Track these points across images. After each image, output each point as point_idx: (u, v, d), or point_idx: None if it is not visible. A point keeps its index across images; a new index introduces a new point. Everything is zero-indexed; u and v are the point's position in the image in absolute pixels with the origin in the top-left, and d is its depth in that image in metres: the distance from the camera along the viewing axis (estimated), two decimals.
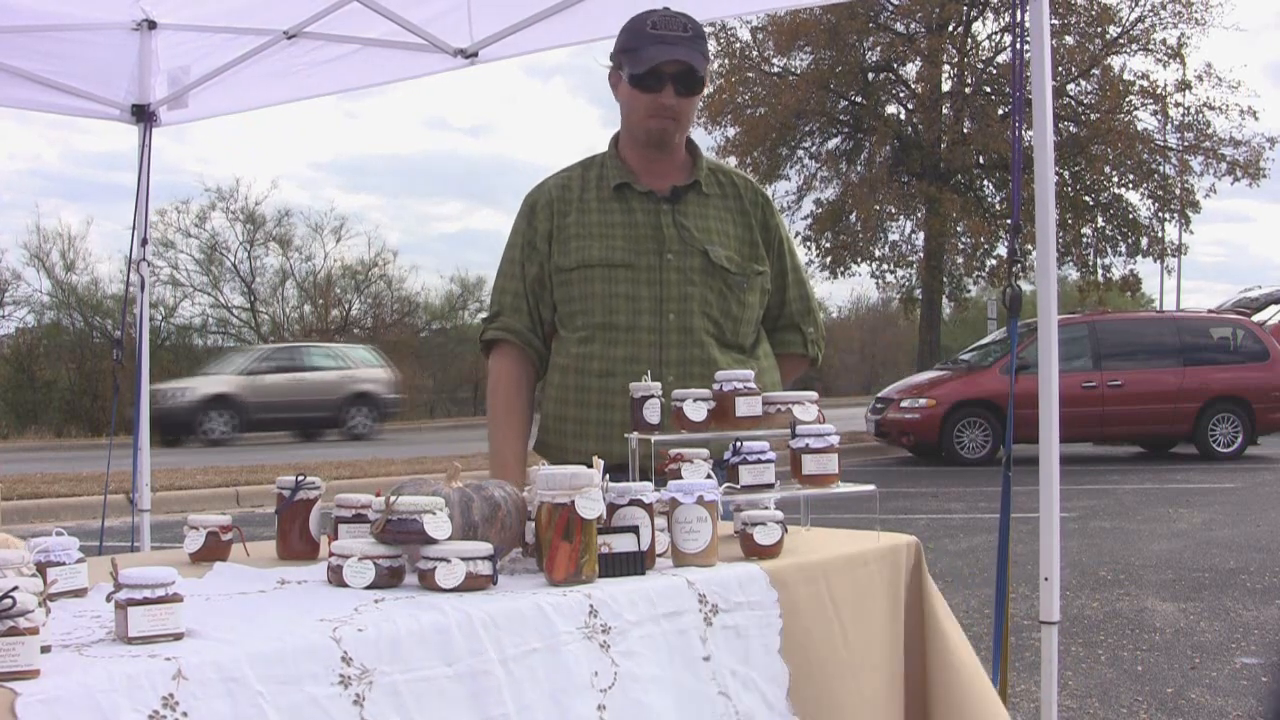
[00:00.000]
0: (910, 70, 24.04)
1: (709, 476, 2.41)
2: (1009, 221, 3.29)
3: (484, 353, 3.02)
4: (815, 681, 2.24)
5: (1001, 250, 22.62)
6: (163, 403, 19.86)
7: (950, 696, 2.48)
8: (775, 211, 3.05)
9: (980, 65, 23.21)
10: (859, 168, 24.32)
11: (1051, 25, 3.26)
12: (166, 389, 20.85)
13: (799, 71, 23.43)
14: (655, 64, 2.77)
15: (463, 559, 1.95)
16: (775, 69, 23.70)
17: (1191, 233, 32.71)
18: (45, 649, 1.52)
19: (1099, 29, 22.75)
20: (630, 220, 2.88)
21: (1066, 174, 22.55)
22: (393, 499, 2.03)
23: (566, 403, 2.89)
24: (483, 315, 3.10)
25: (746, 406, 2.49)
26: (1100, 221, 23.95)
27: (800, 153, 24.90)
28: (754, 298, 2.93)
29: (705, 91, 3.08)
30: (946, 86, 23.50)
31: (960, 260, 24.09)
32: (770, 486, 2.42)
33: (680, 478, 2.40)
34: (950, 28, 23.35)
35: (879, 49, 24.06)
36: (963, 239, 23.46)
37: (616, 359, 2.82)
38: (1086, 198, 23.54)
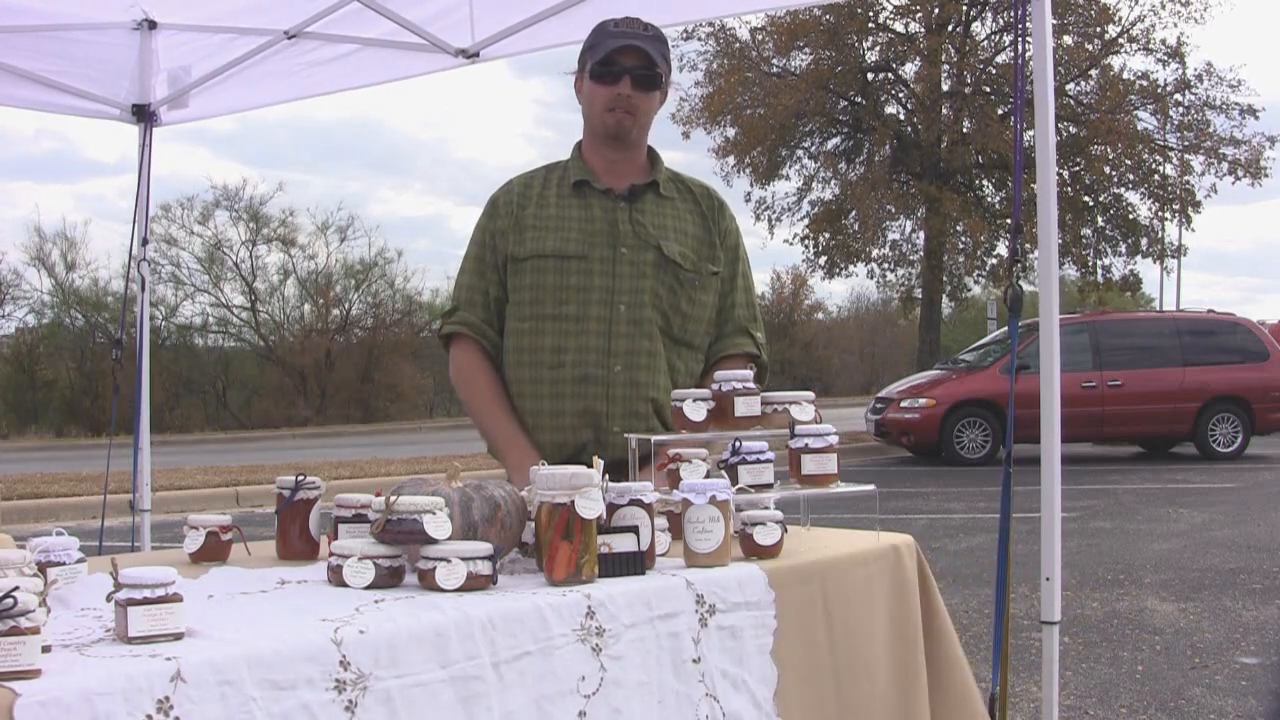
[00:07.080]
0: (910, 70, 24.05)
1: (709, 475, 2.41)
2: (1009, 221, 3.28)
3: (444, 346, 3.07)
4: (803, 685, 2.24)
5: (1002, 249, 22.62)
6: None
7: (948, 699, 2.48)
8: (731, 216, 3.08)
9: (980, 65, 23.21)
10: (858, 167, 24.32)
11: (1051, 25, 3.25)
12: None
13: (798, 72, 23.41)
14: (612, 50, 2.84)
15: (463, 559, 1.95)
16: (775, 69, 23.69)
17: (1192, 231, 32.68)
18: (46, 649, 1.52)
19: (1098, 29, 22.75)
20: (587, 215, 2.92)
21: (1066, 174, 22.55)
22: (393, 499, 2.03)
23: (521, 395, 2.91)
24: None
25: (745, 406, 2.49)
26: (1100, 221, 23.96)
27: (800, 153, 24.90)
28: (706, 297, 2.96)
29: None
30: (946, 86, 23.49)
31: (962, 260, 24.09)
32: (769, 486, 2.42)
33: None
34: (950, 27, 23.35)
35: (878, 49, 24.07)
36: (963, 238, 23.45)
37: (566, 349, 2.86)
38: (1086, 198, 23.54)
